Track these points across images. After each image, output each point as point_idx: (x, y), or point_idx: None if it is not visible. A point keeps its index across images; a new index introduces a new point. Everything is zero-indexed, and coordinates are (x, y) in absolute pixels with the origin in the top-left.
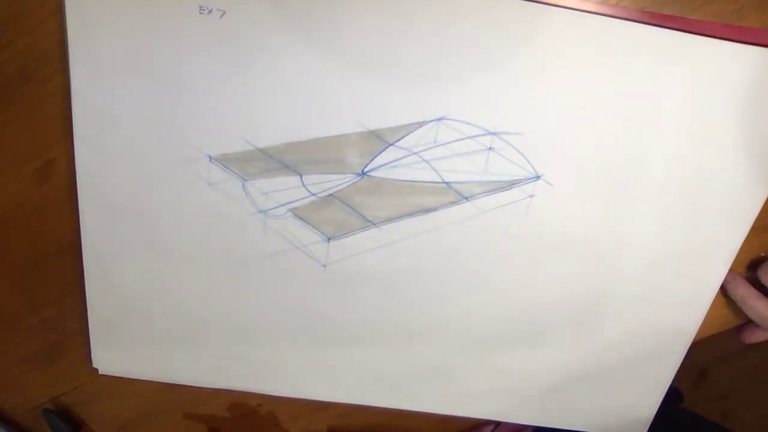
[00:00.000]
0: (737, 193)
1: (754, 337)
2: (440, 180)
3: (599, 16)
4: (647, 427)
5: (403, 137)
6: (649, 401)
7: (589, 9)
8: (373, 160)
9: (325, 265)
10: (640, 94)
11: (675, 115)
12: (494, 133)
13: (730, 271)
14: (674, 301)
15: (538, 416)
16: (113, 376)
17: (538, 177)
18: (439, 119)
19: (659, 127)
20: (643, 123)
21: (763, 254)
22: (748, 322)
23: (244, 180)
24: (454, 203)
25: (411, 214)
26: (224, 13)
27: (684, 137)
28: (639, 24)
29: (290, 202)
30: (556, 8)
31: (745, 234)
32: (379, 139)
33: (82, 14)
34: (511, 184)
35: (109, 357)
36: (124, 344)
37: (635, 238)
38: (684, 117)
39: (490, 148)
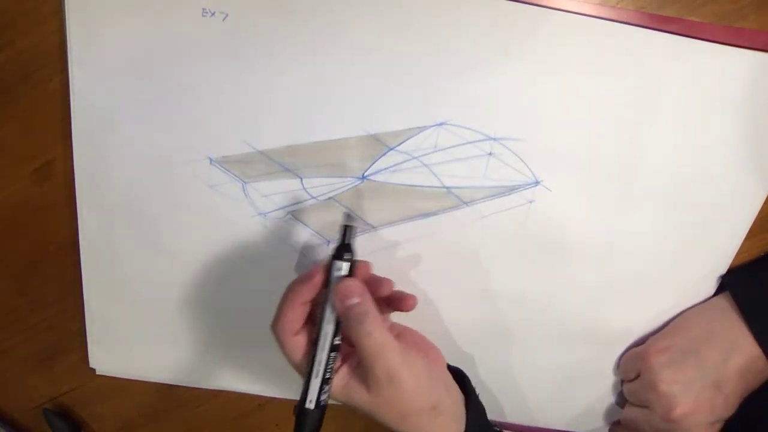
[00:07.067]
0: (736, 195)
1: None
2: (440, 185)
3: (599, 20)
4: None
5: (403, 141)
6: None
7: (589, 12)
8: (373, 164)
9: None
10: (639, 98)
11: (674, 118)
12: (494, 139)
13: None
14: (674, 303)
15: (538, 417)
16: (113, 377)
17: (537, 182)
18: (440, 124)
19: (658, 132)
20: (643, 127)
21: (763, 254)
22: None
23: (245, 182)
24: (454, 208)
25: (411, 218)
26: (227, 15)
27: (683, 141)
28: (639, 28)
29: (290, 205)
30: (557, 12)
31: (745, 234)
32: (379, 143)
33: (82, 14)
34: (511, 190)
35: (107, 357)
36: (122, 345)
37: (634, 241)
38: (683, 120)
39: (490, 154)
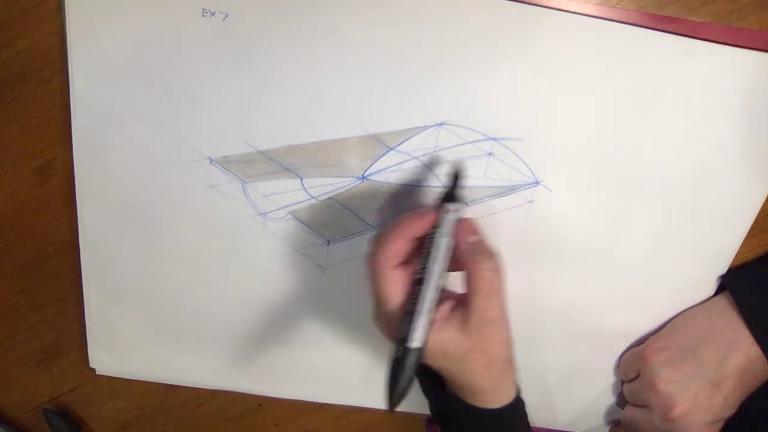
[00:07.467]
0: (736, 194)
1: None
2: (440, 185)
3: (600, 20)
4: None
5: (403, 141)
6: None
7: (589, 12)
8: (373, 164)
9: (324, 268)
10: (639, 98)
11: (674, 118)
12: (494, 139)
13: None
14: (674, 303)
15: (537, 417)
16: (113, 377)
17: (537, 182)
18: (440, 124)
19: (659, 132)
20: (643, 127)
21: (763, 254)
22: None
23: (245, 182)
24: None
25: None
26: (227, 15)
27: (683, 141)
28: (639, 28)
29: (290, 205)
30: (557, 12)
31: (744, 234)
32: (379, 143)
33: (82, 14)
34: (511, 190)
35: (107, 357)
36: (123, 345)
37: (634, 242)
38: (683, 120)
39: (490, 154)
